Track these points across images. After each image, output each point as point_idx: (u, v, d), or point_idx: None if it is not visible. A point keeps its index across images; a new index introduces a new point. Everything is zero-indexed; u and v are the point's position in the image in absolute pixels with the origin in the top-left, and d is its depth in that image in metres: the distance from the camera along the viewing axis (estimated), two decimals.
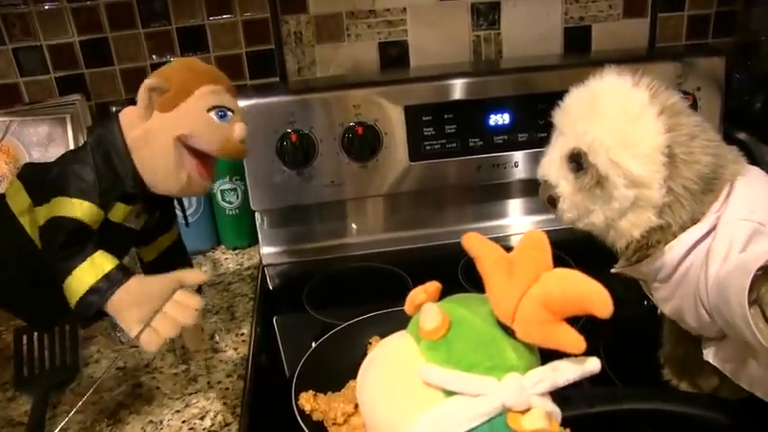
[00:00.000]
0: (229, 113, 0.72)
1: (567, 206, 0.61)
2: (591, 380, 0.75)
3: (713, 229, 0.58)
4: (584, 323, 0.87)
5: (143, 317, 0.66)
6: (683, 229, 0.59)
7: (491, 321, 0.46)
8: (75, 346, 0.86)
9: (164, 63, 1.15)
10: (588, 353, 0.79)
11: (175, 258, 0.86)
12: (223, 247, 1.18)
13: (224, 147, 0.72)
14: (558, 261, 1.00)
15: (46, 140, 1.05)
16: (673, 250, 0.59)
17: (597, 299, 0.41)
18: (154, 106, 0.71)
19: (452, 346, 0.44)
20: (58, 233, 0.68)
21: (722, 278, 0.54)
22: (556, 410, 0.42)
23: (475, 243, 0.49)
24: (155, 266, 0.85)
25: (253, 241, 1.17)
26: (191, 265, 0.91)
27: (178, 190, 0.73)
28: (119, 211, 0.72)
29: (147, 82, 0.70)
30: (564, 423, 0.66)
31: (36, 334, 0.84)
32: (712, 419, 0.65)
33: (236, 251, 1.17)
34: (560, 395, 0.68)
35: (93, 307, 0.67)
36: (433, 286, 0.50)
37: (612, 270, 0.66)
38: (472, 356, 0.44)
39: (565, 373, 0.43)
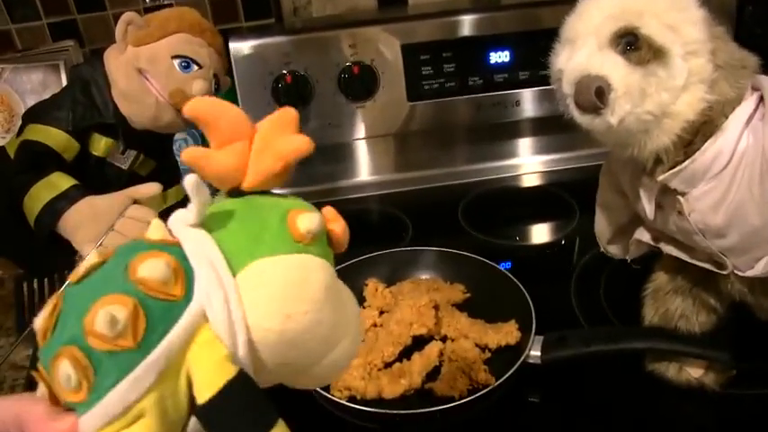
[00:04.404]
0: (194, 67, 0.72)
1: (622, 93, 0.53)
2: (589, 320, 0.77)
3: (758, 104, 0.56)
4: (584, 264, 0.87)
5: (93, 235, 0.65)
6: (733, 108, 0.56)
7: None
8: None
9: (157, 7, 1.13)
10: (589, 292, 0.81)
11: None
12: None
13: (175, 95, 0.71)
14: (564, 203, 1.01)
15: (40, 87, 1.04)
16: (730, 128, 0.55)
17: None
18: (128, 40, 0.71)
19: None
20: (23, 156, 0.68)
21: None
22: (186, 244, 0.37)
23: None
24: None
25: None
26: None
27: (150, 117, 0.73)
28: (100, 144, 0.73)
29: (125, 15, 0.70)
30: (562, 363, 0.67)
31: (37, 280, 0.84)
32: (710, 358, 0.64)
33: None
34: (557, 336, 0.69)
35: (47, 226, 0.67)
36: None
37: (659, 178, 0.59)
38: None
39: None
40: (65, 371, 0.32)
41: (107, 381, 0.33)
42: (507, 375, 0.65)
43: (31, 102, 1.03)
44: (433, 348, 0.70)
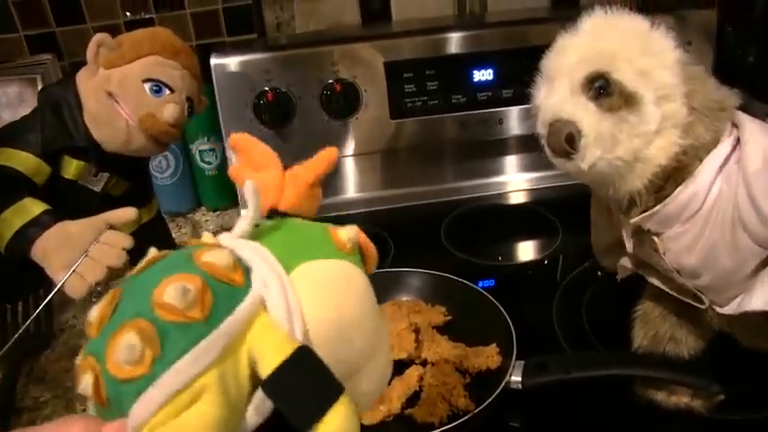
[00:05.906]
0: (166, 91, 0.70)
1: (592, 139, 0.53)
2: (570, 342, 0.76)
3: (735, 148, 0.55)
4: (566, 284, 0.87)
5: (67, 262, 0.64)
6: (707, 152, 0.55)
7: None
8: (49, 312, 0.85)
9: (138, 20, 1.12)
10: (571, 313, 0.80)
11: (156, 235, 0.84)
12: (204, 208, 1.16)
13: (145, 120, 0.70)
14: (547, 222, 1.01)
15: (16, 101, 1.02)
16: (702, 173, 0.55)
17: None
18: (99, 62, 0.70)
19: None
20: None
21: None
22: (247, 257, 0.38)
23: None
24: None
25: (234, 202, 1.15)
26: (172, 242, 0.89)
27: (121, 142, 0.71)
28: (71, 167, 0.71)
29: (96, 37, 0.69)
30: (542, 389, 0.66)
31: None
32: (692, 385, 0.63)
33: (217, 212, 1.15)
34: (538, 361, 0.68)
35: (18, 252, 0.65)
36: None
37: (632, 221, 0.59)
38: None
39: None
40: (128, 341, 0.32)
41: (173, 352, 0.32)
42: (487, 402, 0.64)
43: (6, 116, 1.01)
44: (413, 373, 0.69)
